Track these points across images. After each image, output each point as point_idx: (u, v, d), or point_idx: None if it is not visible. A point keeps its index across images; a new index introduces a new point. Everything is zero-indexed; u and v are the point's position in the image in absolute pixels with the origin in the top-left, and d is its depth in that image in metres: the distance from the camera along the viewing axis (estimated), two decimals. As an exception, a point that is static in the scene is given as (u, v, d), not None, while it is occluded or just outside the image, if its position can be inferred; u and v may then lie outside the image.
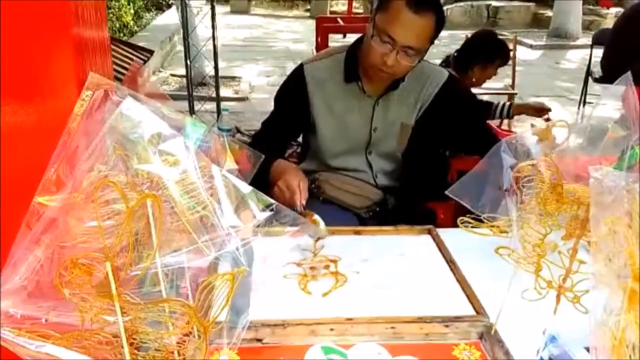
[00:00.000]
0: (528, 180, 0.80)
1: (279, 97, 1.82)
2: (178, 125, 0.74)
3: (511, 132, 3.80)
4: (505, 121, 4.26)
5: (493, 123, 3.54)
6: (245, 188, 0.69)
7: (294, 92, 1.74)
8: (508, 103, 3.37)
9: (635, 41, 3.48)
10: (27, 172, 0.74)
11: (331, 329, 1.01)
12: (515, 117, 3.50)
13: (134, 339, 0.66)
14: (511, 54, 4.45)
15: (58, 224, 0.65)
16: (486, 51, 2.96)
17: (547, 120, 3.19)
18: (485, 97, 3.68)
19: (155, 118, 0.64)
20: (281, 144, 1.83)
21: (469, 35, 3.32)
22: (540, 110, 3.26)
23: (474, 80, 2.97)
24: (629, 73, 0.74)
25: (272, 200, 0.71)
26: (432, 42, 1.57)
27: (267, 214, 0.69)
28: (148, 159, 0.63)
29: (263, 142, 1.72)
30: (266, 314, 1.03)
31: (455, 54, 2.99)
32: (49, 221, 0.64)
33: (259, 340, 0.98)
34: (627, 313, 0.52)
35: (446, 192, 0.95)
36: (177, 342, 0.71)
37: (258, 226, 0.68)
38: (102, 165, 0.69)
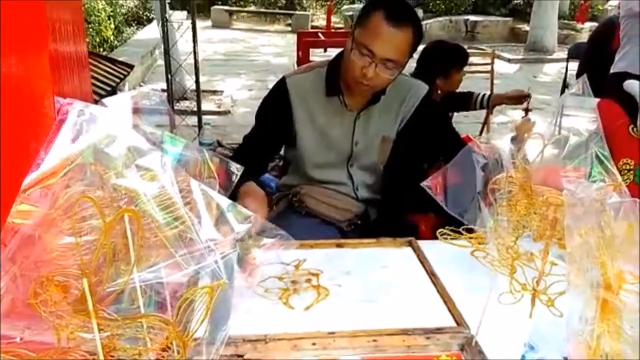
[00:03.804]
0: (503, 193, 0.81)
1: (262, 111, 1.81)
2: (157, 140, 0.74)
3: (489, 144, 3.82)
4: (484, 134, 4.31)
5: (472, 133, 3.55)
6: (224, 202, 0.68)
7: (276, 104, 1.74)
8: (488, 93, 3.31)
9: (610, 54, 3.56)
10: (2, 187, 0.73)
11: (313, 344, 1.00)
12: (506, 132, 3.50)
13: (111, 356, 0.65)
14: (489, 67, 4.54)
15: (34, 241, 0.64)
16: (440, 61, 2.85)
17: (527, 110, 3.06)
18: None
19: (133, 133, 0.64)
20: (263, 159, 1.82)
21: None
22: (519, 98, 3.17)
23: (439, 92, 2.86)
24: (584, 76, 0.76)
25: (250, 213, 0.71)
26: (410, 55, 1.60)
27: (246, 226, 0.69)
28: (125, 174, 0.63)
29: (244, 157, 1.69)
30: (247, 328, 1.02)
31: (415, 71, 2.86)
32: (25, 238, 0.63)
33: (240, 356, 0.97)
34: (600, 322, 0.53)
35: (421, 185, 0.96)
36: (156, 359, 0.70)
37: (237, 240, 0.68)
38: (79, 182, 0.68)
